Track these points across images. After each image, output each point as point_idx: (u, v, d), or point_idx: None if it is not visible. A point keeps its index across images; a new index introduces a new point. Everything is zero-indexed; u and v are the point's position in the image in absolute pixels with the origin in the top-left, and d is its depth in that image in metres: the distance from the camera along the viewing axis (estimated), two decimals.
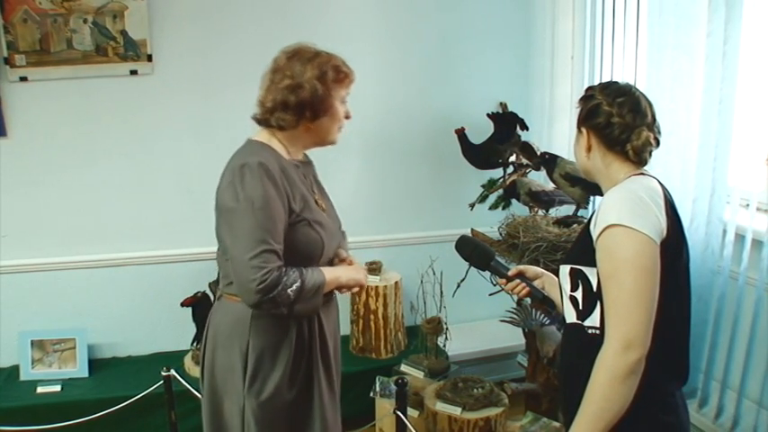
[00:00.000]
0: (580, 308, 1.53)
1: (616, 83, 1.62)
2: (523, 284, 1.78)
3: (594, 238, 1.46)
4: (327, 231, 1.84)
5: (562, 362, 1.68)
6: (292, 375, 1.81)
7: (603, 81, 1.76)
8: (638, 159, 1.55)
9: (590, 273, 1.50)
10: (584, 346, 1.50)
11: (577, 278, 1.53)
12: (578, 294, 1.53)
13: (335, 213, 1.98)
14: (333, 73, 1.79)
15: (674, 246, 1.46)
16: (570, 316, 1.57)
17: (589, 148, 1.59)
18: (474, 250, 1.87)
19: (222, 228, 1.75)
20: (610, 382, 1.38)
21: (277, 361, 1.79)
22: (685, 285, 1.54)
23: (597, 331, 1.48)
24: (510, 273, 1.80)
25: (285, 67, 1.78)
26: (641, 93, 1.58)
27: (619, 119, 1.53)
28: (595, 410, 1.40)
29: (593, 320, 1.49)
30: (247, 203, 1.66)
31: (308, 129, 1.81)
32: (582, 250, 1.53)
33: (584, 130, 1.59)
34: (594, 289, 1.49)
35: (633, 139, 1.53)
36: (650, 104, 1.58)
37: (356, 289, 1.93)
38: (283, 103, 1.76)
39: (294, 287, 1.68)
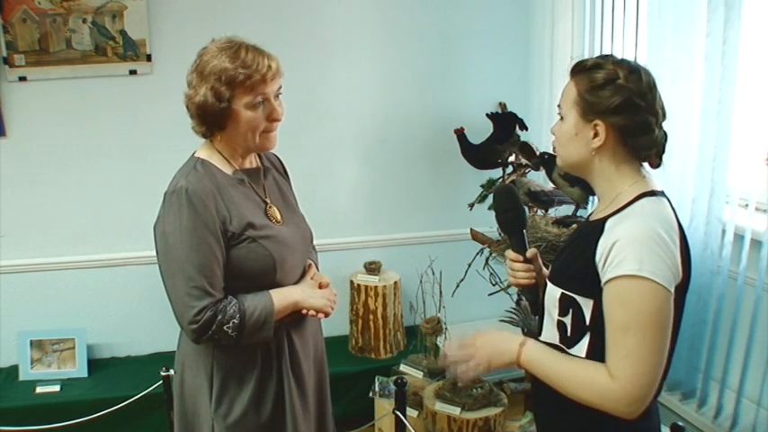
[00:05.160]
0: (567, 335, 1.39)
1: (637, 66, 1.35)
2: (532, 274, 1.57)
3: (604, 278, 1.29)
4: (281, 244, 1.67)
5: (535, 380, 1.47)
6: (261, 397, 1.70)
7: (619, 59, 1.37)
8: (658, 166, 1.39)
9: (584, 304, 1.35)
10: None
11: (569, 306, 1.38)
12: (567, 321, 1.38)
13: (300, 221, 1.82)
14: (228, 78, 1.56)
15: (684, 286, 1.34)
16: (550, 336, 1.43)
17: (602, 146, 1.34)
18: (513, 210, 1.60)
19: (158, 258, 1.63)
20: (599, 406, 1.29)
21: (244, 382, 1.68)
22: (681, 312, 1.39)
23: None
24: (528, 254, 1.57)
25: (192, 68, 1.61)
26: None
27: (654, 118, 1.32)
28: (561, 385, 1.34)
29: (580, 351, 1.37)
30: (174, 238, 1.56)
31: (222, 139, 1.65)
32: (580, 278, 1.35)
33: (601, 124, 1.33)
34: (587, 322, 1.35)
35: (664, 144, 1.35)
36: None
37: (321, 316, 1.74)
38: (190, 112, 1.63)
39: (231, 323, 1.57)
